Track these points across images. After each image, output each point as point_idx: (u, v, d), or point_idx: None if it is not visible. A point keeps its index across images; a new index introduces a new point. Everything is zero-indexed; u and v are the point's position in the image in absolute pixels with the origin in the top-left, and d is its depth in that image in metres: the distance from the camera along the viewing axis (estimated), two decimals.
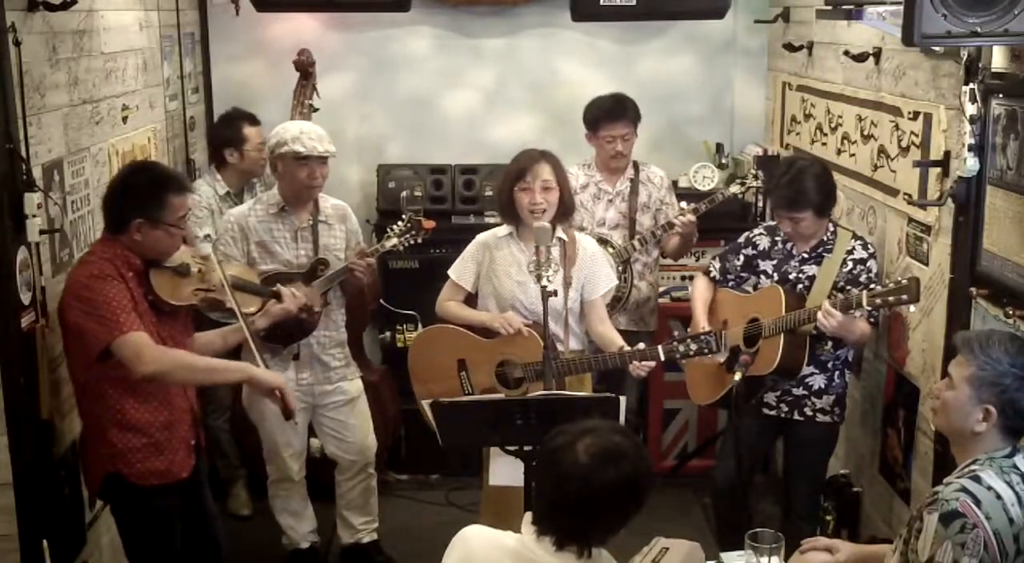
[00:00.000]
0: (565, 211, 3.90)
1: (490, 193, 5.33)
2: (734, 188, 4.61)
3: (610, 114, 4.59)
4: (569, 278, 3.87)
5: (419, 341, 4.11)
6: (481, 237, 4.00)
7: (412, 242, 4.29)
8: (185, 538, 3.47)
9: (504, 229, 3.95)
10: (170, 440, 3.34)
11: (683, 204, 4.71)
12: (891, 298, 3.47)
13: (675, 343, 3.65)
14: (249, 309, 3.76)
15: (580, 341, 3.98)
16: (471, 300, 4.04)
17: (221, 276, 3.48)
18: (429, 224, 4.32)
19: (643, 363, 3.68)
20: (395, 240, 4.25)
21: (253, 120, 4.89)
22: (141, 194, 3.24)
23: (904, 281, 3.44)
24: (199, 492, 3.57)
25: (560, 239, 3.89)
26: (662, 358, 3.66)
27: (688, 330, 4.16)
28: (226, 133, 4.86)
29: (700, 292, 4.14)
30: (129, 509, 3.39)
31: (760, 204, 5.19)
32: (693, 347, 3.61)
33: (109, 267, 3.19)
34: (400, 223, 4.27)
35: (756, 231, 4.10)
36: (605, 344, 3.89)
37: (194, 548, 3.53)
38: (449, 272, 4.03)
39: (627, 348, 3.76)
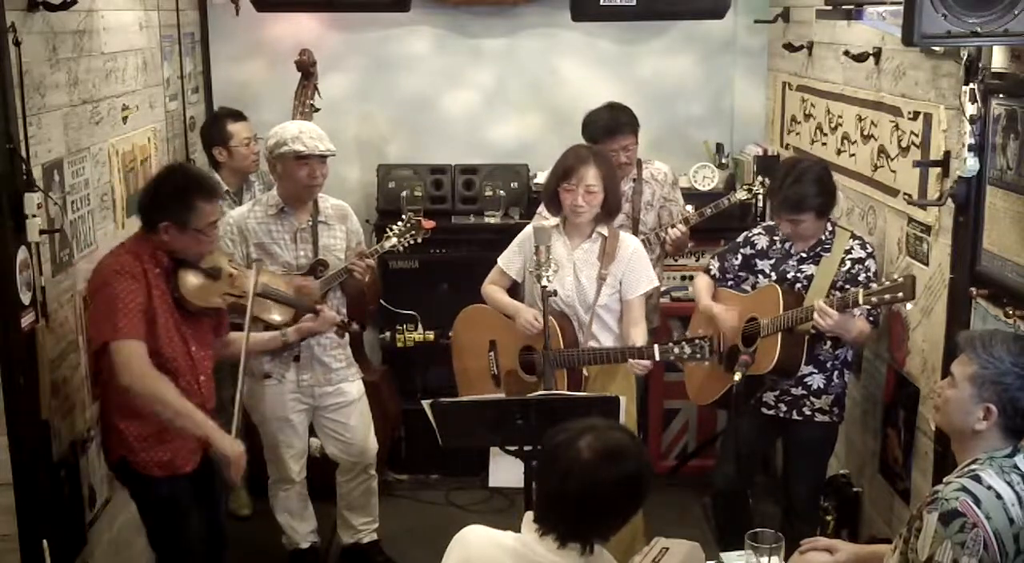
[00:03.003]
0: (610, 211, 3.94)
1: (490, 193, 5.34)
2: (741, 194, 4.61)
3: (609, 130, 4.56)
4: (604, 275, 3.88)
5: (461, 319, 4.21)
6: (530, 227, 4.03)
7: (412, 242, 4.30)
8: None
9: (552, 220, 3.98)
10: (175, 432, 3.36)
11: (690, 208, 4.72)
12: (887, 296, 3.47)
13: (671, 344, 3.68)
14: (276, 319, 3.84)
15: (618, 339, 3.98)
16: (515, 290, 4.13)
17: (252, 285, 3.53)
18: (428, 224, 4.33)
19: (639, 362, 3.70)
20: (394, 240, 4.26)
21: (238, 116, 4.88)
22: (170, 197, 3.31)
23: (900, 279, 3.45)
24: (210, 486, 3.59)
25: (601, 235, 3.91)
26: (657, 358, 3.69)
27: (690, 326, 4.17)
28: (212, 133, 4.87)
29: (702, 287, 4.15)
30: (138, 495, 3.49)
31: (760, 205, 5.19)
32: (687, 350, 3.64)
33: (132, 262, 3.27)
34: (399, 223, 4.28)
35: (755, 231, 4.10)
36: (625, 344, 3.91)
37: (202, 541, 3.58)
38: (499, 258, 4.11)
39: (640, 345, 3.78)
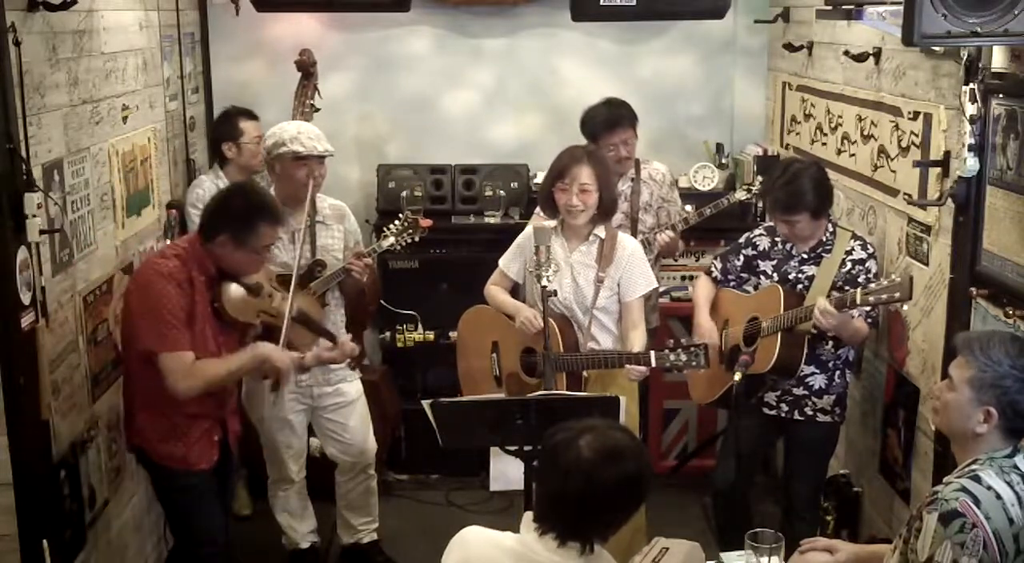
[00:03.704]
0: (605, 211, 3.94)
1: (490, 193, 5.34)
2: (740, 195, 4.61)
3: (607, 124, 4.55)
4: (601, 277, 3.88)
5: (465, 319, 4.23)
6: (530, 228, 4.03)
7: (410, 241, 4.30)
8: None
9: (551, 222, 3.98)
10: (191, 429, 3.47)
11: (689, 208, 4.72)
12: (884, 296, 3.48)
13: (667, 351, 3.67)
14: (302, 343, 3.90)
15: (617, 341, 3.98)
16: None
17: (288, 309, 3.64)
18: (426, 223, 4.33)
19: (635, 367, 3.71)
20: (392, 239, 4.26)
21: (250, 115, 4.92)
22: (236, 213, 3.42)
23: (897, 279, 3.45)
24: (221, 487, 3.66)
25: (598, 237, 3.92)
26: (653, 364, 3.69)
27: (692, 331, 4.17)
28: (223, 129, 4.90)
29: (702, 292, 4.15)
30: (155, 481, 3.63)
31: (760, 205, 5.19)
32: (683, 358, 3.65)
33: (179, 268, 3.37)
34: (397, 222, 4.28)
35: (756, 232, 4.10)
36: (624, 347, 3.90)
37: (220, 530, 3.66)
38: (500, 259, 4.12)
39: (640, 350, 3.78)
